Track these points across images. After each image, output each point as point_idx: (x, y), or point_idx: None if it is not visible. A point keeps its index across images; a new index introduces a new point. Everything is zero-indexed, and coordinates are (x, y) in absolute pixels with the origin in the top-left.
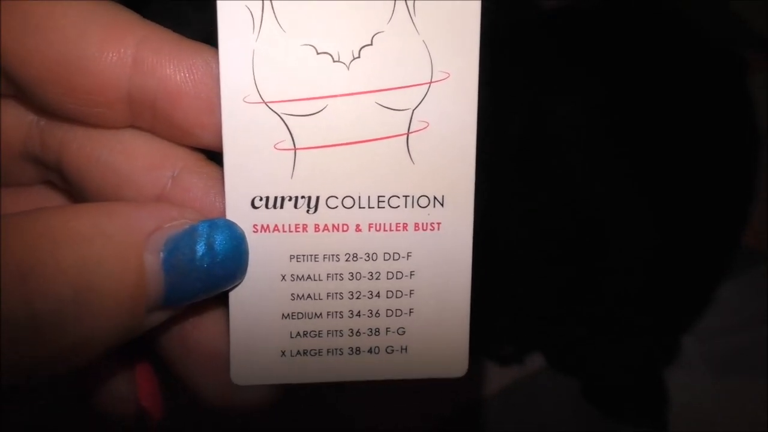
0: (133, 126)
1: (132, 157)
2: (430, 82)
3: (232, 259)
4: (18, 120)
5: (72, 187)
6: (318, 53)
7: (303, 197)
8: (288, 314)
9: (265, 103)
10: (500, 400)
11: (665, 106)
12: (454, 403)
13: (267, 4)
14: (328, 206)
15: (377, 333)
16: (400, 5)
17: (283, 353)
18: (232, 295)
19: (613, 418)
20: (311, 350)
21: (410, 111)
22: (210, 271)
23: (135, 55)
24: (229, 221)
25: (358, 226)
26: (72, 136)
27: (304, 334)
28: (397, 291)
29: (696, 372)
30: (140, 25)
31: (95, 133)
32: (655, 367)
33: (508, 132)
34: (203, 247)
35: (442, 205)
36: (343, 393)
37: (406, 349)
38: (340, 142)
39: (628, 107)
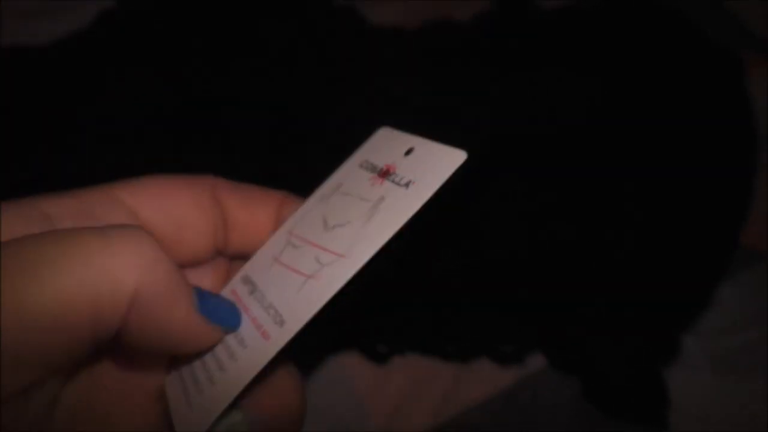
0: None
1: None
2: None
3: None
4: None
5: None
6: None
7: None
8: None
9: None
10: (500, 400)
11: (664, 106)
12: (454, 403)
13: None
14: None
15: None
16: None
17: None
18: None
19: (613, 417)
20: None
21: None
22: None
23: None
24: None
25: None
26: None
27: None
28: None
29: (697, 371)
30: None
31: None
32: (656, 366)
33: (507, 132)
34: None
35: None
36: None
37: None
38: None
39: (627, 107)
